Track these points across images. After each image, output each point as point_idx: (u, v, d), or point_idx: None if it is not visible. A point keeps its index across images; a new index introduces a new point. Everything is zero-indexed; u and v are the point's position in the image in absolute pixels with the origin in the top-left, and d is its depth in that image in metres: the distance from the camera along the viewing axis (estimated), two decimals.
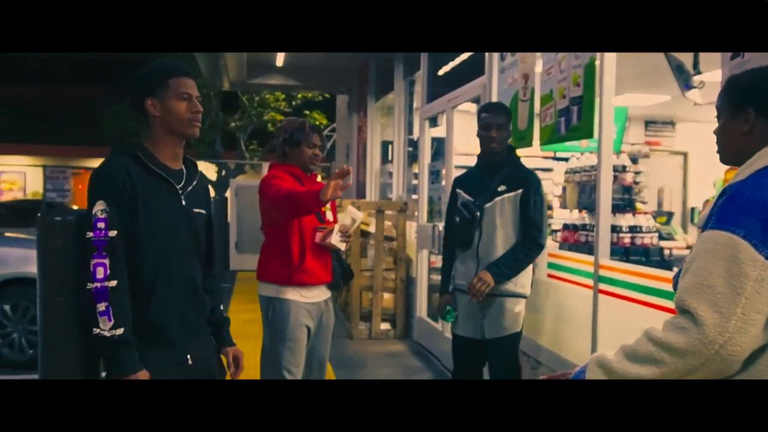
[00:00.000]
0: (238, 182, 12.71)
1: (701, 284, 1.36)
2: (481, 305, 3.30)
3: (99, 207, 1.97)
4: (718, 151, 1.66)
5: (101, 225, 1.96)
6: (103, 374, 2.10)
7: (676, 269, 1.61)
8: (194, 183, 2.19)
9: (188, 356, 2.15)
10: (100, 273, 1.94)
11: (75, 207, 14.79)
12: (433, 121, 6.42)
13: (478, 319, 3.34)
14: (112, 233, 1.96)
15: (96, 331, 1.93)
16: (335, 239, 3.06)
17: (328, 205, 3.16)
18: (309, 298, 3.13)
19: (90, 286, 1.94)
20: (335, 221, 3.19)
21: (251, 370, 4.40)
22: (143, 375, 1.96)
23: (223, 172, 20.35)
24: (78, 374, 2.10)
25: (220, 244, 6.54)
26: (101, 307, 1.92)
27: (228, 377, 2.36)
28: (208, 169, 19.95)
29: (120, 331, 1.94)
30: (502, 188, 3.31)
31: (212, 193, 2.49)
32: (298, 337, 3.09)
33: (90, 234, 1.96)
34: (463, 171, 3.90)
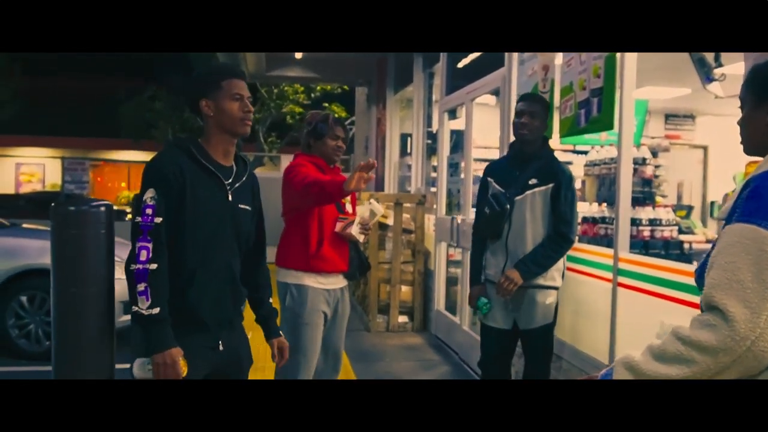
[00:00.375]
0: (257, 174, 12.78)
1: (730, 279, 1.34)
2: (512, 297, 3.30)
3: (149, 195, 2.12)
4: (741, 142, 1.63)
5: (149, 211, 2.10)
6: (119, 366, 2.20)
7: (696, 263, 1.58)
8: (243, 179, 2.32)
9: (219, 342, 2.28)
10: (143, 255, 2.08)
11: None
12: (452, 114, 6.40)
13: (509, 310, 3.35)
14: (158, 220, 2.11)
15: (135, 309, 2.08)
16: (355, 230, 3.15)
17: (349, 198, 3.23)
18: (325, 285, 3.20)
19: (132, 267, 2.08)
20: (354, 213, 3.26)
21: (264, 359, 4.34)
22: (177, 352, 2.08)
23: None
24: (91, 366, 2.14)
25: None
26: (141, 287, 2.07)
27: (272, 364, 2.57)
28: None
29: (156, 310, 2.07)
30: (533, 181, 3.28)
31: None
32: (315, 322, 3.17)
33: (138, 219, 2.11)
34: (491, 161, 3.87)
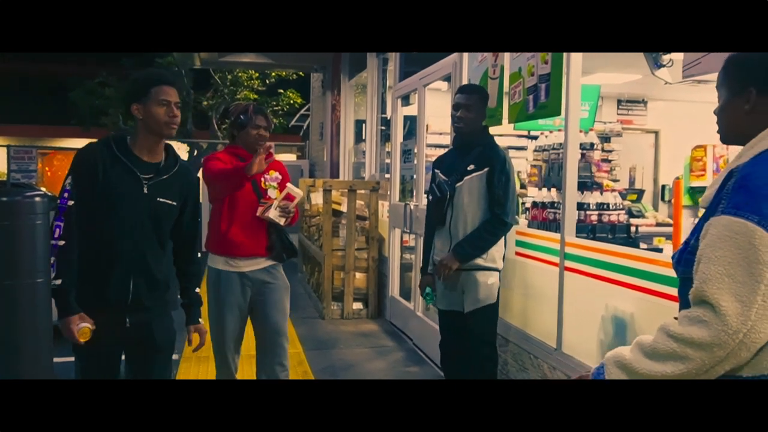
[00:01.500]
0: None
1: (721, 274, 1.35)
2: (458, 280, 3.41)
3: (68, 180, 2.41)
4: (719, 131, 1.64)
5: (66, 195, 2.38)
6: (58, 360, 2.29)
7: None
8: (166, 176, 2.52)
9: (126, 319, 2.50)
10: (56, 233, 2.34)
11: (43, 189, 14.56)
12: (406, 100, 6.39)
13: (458, 292, 3.44)
14: (71, 203, 2.38)
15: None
16: (273, 213, 3.22)
17: (275, 184, 3.32)
18: (240, 268, 3.29)
19: (50, 242, 2.27)
20: (290, 198, 3.31)
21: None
22: (76, 319, 2.36)
23: (195, 152, 20.12)
24: (27, 359, 2.10)
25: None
26: (52, 260, 2.27)
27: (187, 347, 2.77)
28: (179, 149, 19.65)
29: (59, 281, 2.32)
30: (471, 167, 3.41)
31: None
32: (229, 302, 3.28)
33: (58, 201, 2.38)
34: (439, 150, 3.97)
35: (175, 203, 2.57)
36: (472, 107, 3.46)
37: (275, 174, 3.33)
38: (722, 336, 1.32)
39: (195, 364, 4.81)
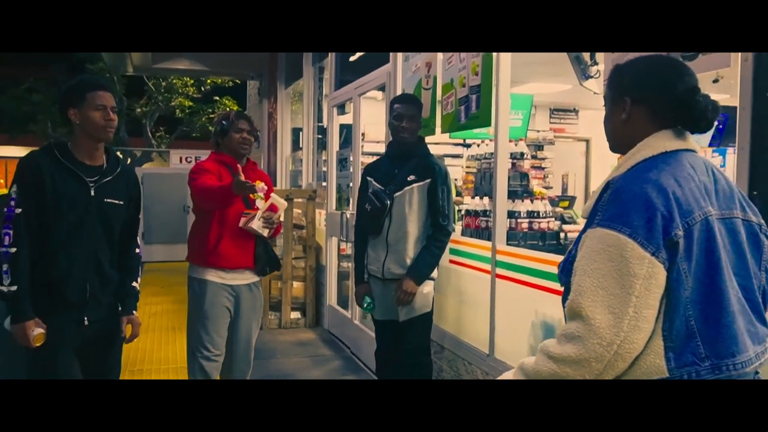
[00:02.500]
0: (144, 170, 12.32)
1: (595, 286, 1.37)
2: (393, 289, 3.41)
3: (13, 189, 2.50)
4: (606, 139, 1.68)
5: (12, 203, 2.47)
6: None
7: (563, 257, 1.62)
8: (111, 177, 2.63)
9: (85, 318, 2.59)
10: (6, 241, 2.44)
11: None
12: (341, 109, 6.41)
13: (392, 302, 3.44)
14: (18, 210, 2.47)
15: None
16: (257, 224, 3.19)
17: (262, 194, 3.29)
18: (227, 280, 3.29)
19: (2, 250, 2.43)
20: (274, 209, 3.29)
21: (159, 362, 4.30)
22: (30, 324, 2.44)
23: (129, 160, 19.64)
24: None
25: None
26: (4, 267, 2.42)
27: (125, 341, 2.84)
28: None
29: (14, 288, 2.42)
30: (411, 178, 3.41)
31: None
32: (215, 316, 3.27)
33: (5, 209, 2.47)
34: (374, 159, 3.96)
35: (122, 203, 2.68)
36: (414, 117, 3.46)
37: (262, 184, 3.27)
38: (598, 349, 1.34)
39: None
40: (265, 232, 3.24)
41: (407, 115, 3.43)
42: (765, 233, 1.55)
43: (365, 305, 3.56)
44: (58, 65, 18.98)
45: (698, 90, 1.51)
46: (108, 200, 2.62)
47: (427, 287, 3.43)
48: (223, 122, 3.33)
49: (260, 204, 3.26)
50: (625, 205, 1.38)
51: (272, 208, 3.25)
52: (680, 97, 1.50)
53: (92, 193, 2.58)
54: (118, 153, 2.81)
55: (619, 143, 1.61)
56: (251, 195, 3.22)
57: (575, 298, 1.39)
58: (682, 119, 1.52)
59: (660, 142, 1.49)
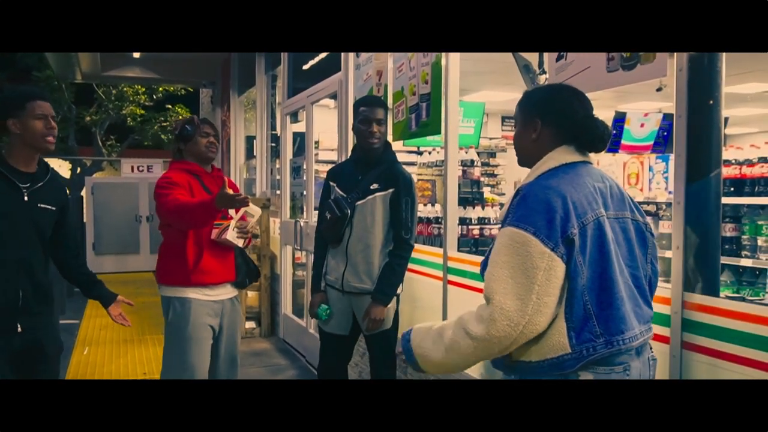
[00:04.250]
0: (94, 180, 12.07)
1: (505, 276, 1.60)
2: (352, 303, 3.29)
3: None
4: (516, 154, 1.93)
5: None
6: None
7: (483, 258, 1.81)
8: (42, 182, 2.64)
9: (17, 324, 2.57)
10: None
11: None
12: (295, 117, 6.40)
13: (349, 316, 3.32)
14: None
15: None
16: (231, 235, 3.01)
17: None
18: (212, 297, 3.11)
19: None
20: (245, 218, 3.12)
21: (110, 376, 4.22)
22: None
23: (78, 170, 19.21)
24: None
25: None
26: None
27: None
28: (61, 167, 18.75)
29: None
30: (374, 186, 3.23)
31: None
32: (201, 336, 3.07)
33: None
34: (334, 164, 3.82)
35: (54, 208, 2.68)
36: (383, 121, 3.27)
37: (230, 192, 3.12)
38: (507, 329, 1.58)
39: None
40: (240, 242, 3.08)
41: (375, 118, 3.23)
42: (649, 231, 1.83)
43: (321, 312, 3.34)
44: (2, 73, 18.48)
45: (595, 116, 1.79)
46: (41, 205, 2.63)
47: (390, 303, 3.26)
48: (188, 127, 3.13)
49: (232, 213, 3.09)
50: (530, 208, 1.63)
51: (243, 217, 3.08)
52: (580, 122, 1.77)
53: (26, 198, 2.58)
54: (66, 162, 2.82)
55: (527, 158, 1.85)
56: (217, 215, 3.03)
57: (488, 285, 1.63)
58: (581, 140, 1.78)
59: (562, 156, 1.75)
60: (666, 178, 5.03)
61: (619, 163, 5.42)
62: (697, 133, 2.10)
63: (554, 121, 1.78)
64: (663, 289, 2.19)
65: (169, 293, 3.09)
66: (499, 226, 1.74)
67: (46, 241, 2.69)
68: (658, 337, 2.19)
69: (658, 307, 2.20)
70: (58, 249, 2.80)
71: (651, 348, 1.81)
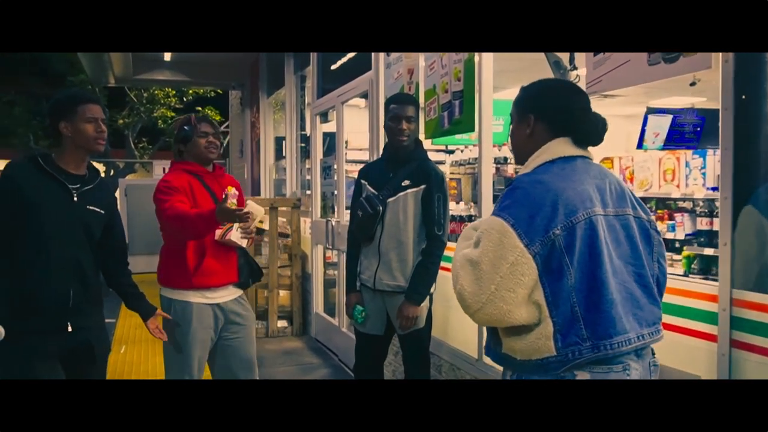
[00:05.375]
0: (127, 181, 12.22)
1: (474, 260, 1.61)
2: (385, 302, 3.28)
3: None
4: (512, 151, 1.91)
5: None
6: None
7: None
8: (91, 185, 2.67)
9: (68, 323, 2.59)
10: None
11: None
12: (324, 117, 6.40)
13: (383, 316, 3.31)
14: None
15: None
16: (235, 236, 2.97)
17: (235, 201, 2.99)
18: (214, 299, 3.06)
19: None
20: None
21: (146, 375, 4.26)
22: None
23: (112, 172, 19.50)
24: None
25: None
26: None
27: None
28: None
29: None
30: (406, 183, 3.22)
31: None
32: (202, 339, 3.03)
33: None
34: (359, 165, 3.82)
35: (103, 211, 2.71)
36: (414, 119, 3.26)
37: (233, 190, 3.00)
38: (463, 307, 1.64)
39: None
40: (245, 243, 3.04)
41: (405, 116, 3.22)
42: (654, 228, 1.78)
43: (357, 314, 3.32)
44: (37, 78, 18.81)
45: (590, 109, 1.77)
46: (90, 207, 2.65)
47: (423, 302, 3.24)
48: (185, 127, 3.09)
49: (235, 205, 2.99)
50: (516, 200, 1.63)
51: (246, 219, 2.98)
52: (576, 115, 1.75)
53: (75, 199, 2.60)
54: (100, 165, 2.82)
55: (523, 154, 1.82)
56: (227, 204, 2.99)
57: (457, 261, 1.67)
58: (577, 134, 1.75)
59: (557, 149, 1.73)
60: (704, 173, 4.93)
61: (654, 159, 5.32)
62: (743, 126, 2.04)
63: (547, 115, 1.77)
64: (710, 286, 2.14)
65: (170, 295, 3.05)
66: None
67: (95, 243, 2.70)
68: (704, 335, 2.14)
69: (704, 305, 2.15)
70: (105, 254, 2.79)
71: (654, 354, 1.75)
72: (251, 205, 2.99)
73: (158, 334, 2.90)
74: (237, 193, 3.03)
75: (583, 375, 1.59)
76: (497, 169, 4.44)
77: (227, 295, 3.11)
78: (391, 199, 3.23)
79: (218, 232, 2.97)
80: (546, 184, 1.64)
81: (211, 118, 3.21)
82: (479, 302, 1.58)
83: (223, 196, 2.82)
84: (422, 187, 3.19)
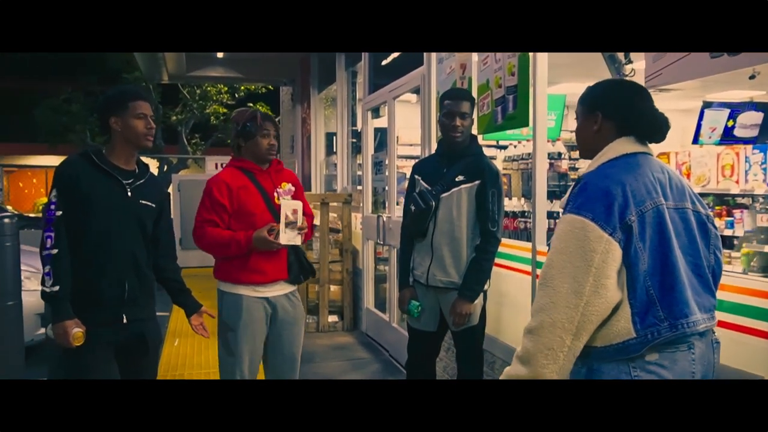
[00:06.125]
0: (180, 177, 12.49)
1: (563, 261, 1.67)
2: (438, 299, 3.27)
3: (53, 193, 2.59)
4: (577, 146, 2.02)
5: (52, 207, 2.56)
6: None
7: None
8: (142, 180, 2.75)
9: (123, 316, 2.67)
10: (48, 243, 2.53)
11: (9, 207, 14.28)
12: (376, 112, 6.43)
13: (435, 312, 3.30)
14: (59, 213, 2.55)
15: (42, 288, 2.52)
16: (284, 238, 2.97)
17: (289, 197, 3.07)
18: (264, 293, 3.11)
19: (42, 253, 2.53)
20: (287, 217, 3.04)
21: (199, 367, 4.34)
22: (70, 324, 2.50)
23: (165, 167, 19.95)
24: None
25: None
26: (46, 269, 2.51)
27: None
28: (149, 164, 19.52)
29: (56, 288, 2.50)
30: (460, 178, 3.20)
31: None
32: (252, 330, 3.09)
33: (45, 214, 2.57)
34: (410, 161, 3.84)
35: (154, 205, 2.78)
36: (468, 115, 3.24)
37: (288, 186, 3.11)
38: (566, 311, 1.64)
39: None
40: (298, 240, 3.02)
41: (459, 112, 3.20)
42: (711, 222, 1.87)
43: (412, 308, 3.31)
44: (93, 76, 19.35)
45: (656, 109, 1.86)
46: (143, 201, 2.73)
47: (477, 299, 3.22)
48: (248, 124, 3.08)
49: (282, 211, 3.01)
50: (589, 196, 1.70)
51: (291, 216, 3.00)
52: (641, 113, 1.85)
53: (129, 194, 2.68)
54: (153, 160, 2.89)
55: (589, 150, 1.93)
56: (276, 200, 3.06)
57: (545, 270, 1.71)
58: (641, 131, 1.85)
59: (622, 146, 1.83)
60: (765, 169, 4.79)
61: (712, 154, 5.20)
62: None
63: (614, 113, 1.86)
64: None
65: (223, 288, 3.15)
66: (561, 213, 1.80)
67: (148, 236, 2.78)
68: (765, 334, 2.10)
69: (765, 303, 2.10)
70: (155, 248, 2.86)
71: (713, 332, 1.84)
72: (285, 203, 3.00)
73: (201, 331, 2.96)
74: (293, 189, 3.11)
75: (651, 355, 1.67)
76: (551, 164, 4.39)
77: (278, 290, 3.15)
78: (444, 195, 3.22)
79: (276, 239, 2.96)
80: (614, 177, 1.73)
81: (274, 119, 3.19)
82: (583, 296, 1.63)
83: (275, 196, 2.99)
84: (476, 182, 3.18)
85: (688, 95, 6.58)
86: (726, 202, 5.19)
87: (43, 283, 2.53)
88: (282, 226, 2.97)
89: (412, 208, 3.29)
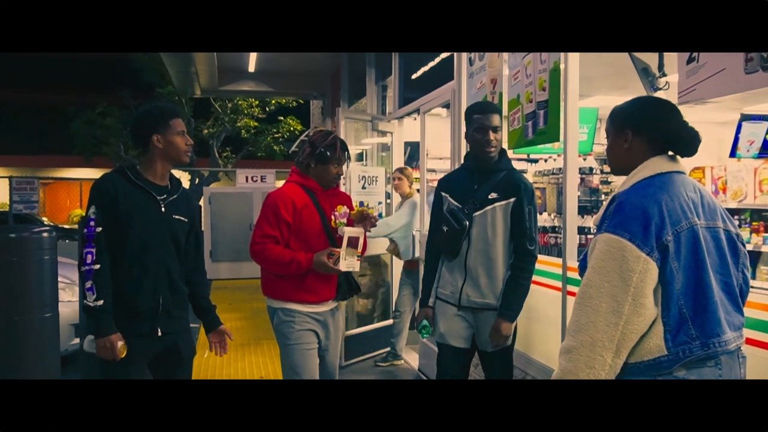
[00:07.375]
0: (212, 190, 12.62)
1: (600, 281, 1.69)
2: (474, 319, 3.19)
3: (91, 210, 2.64)
4: (609, 165, 2.05)
5: (92, 223, 2.60)
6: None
7: (580, 258, 1.91)
8: (175, 195, 2.81)
9: (158, 328, 2.73)
10: (88, 259, 2.57)
11: (45, 219, 14.52)
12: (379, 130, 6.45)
13: (468, 329, 3.20)
14: (98, 229, 2.60)
15: (84, 302, 2.56)
16: (343, 265, 3.01)
17: (345, 220, 3.11)
18: (313, 309, 3.18)
19: (82, 268, 2.58)
20: (355, 242, 3.10)
21: (230, 377, 4.35)
22: (115, 338, 2.56)
23: (197, 180, 20.19)
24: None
25: None
26: (88, 284, 2.55)
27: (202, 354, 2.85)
28: (181, 178, 19.75)
29: (100, 302, 2.55)
30: (493, 195, 3.10)
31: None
32: (306, 342, 3.14)
33: (84, 230, 2.61)
34: (438, 175, 3.80)
35: (186, 220, 2.85)
36: (499, 128, 3.15)
37: (344, 209, 3.13)
38: (607, 330, 1.66)
39: None
40: (357, 267, 3.07)
41: (491, 126, 3.11)
42: (741, 241, 1.89)
43: (420, 329, 3.28)
44: (128, 90, 19.71)
45: (686, 123, 1.87)
46: (176, 216, 2.79)
47: None
48: (327, 149, 3.11)
49: (342, 233, 3.06)
50: (626, 215, 1.72)
51: (352, 242, 3.04)
52: (670, 129, 1.86)
53: (162, 209, 2.74)
54: (185, 173, 2.92)
55: (620, 167, 1.95)
56: (333, 224, 3.09)
57: (584, 290, 1.73)
58: (673, 146, 1.87)
59: (656, 165, 1.84)
60: None
61: (749, 169, 5.11)
62: None
63: (644, 130, 1.88)
64: None
65: (273, 304, 3.18)
66: (595, 231, 1.82)
67: (181, 250, 2.84)
68: None
69: None
70: (186, 262, 2.91)
71: (740, 347, 1.84)
72: (349, 231, 3.03)
73: (218, 349, 3.01)
74: (348, 211, 3.13)
75: (679, 372, 1.70)
76: (582, 179, 4.36)
77: (326, 306, 3.22)
78: (477, 213, 3.11)
79: (329, 262, 3.00)
80: (650, 197, 1.75)
81: (348, 148, 3.21)
82: (623, 315, 1.66)
83: (332, 218, 3.04)
84: (511, 200, 3.09)
85: (725, 107, 6.48)
86: (764, 217, 5.10)
87: (84, 298, 2.57)
88: (342, 252, 3.00)
89: (445, 228, 3.18)
